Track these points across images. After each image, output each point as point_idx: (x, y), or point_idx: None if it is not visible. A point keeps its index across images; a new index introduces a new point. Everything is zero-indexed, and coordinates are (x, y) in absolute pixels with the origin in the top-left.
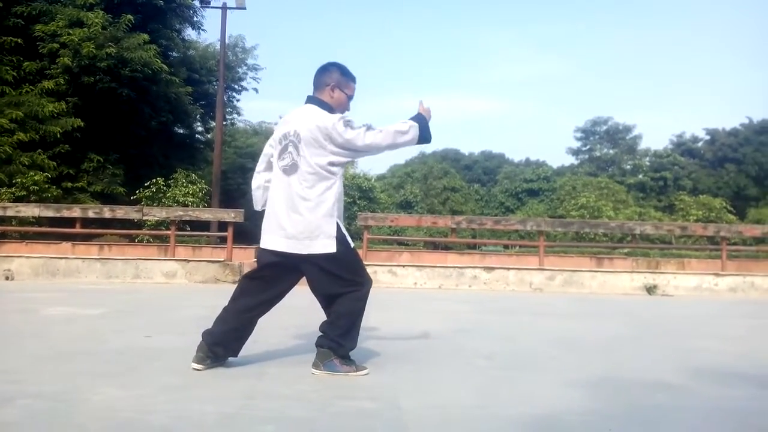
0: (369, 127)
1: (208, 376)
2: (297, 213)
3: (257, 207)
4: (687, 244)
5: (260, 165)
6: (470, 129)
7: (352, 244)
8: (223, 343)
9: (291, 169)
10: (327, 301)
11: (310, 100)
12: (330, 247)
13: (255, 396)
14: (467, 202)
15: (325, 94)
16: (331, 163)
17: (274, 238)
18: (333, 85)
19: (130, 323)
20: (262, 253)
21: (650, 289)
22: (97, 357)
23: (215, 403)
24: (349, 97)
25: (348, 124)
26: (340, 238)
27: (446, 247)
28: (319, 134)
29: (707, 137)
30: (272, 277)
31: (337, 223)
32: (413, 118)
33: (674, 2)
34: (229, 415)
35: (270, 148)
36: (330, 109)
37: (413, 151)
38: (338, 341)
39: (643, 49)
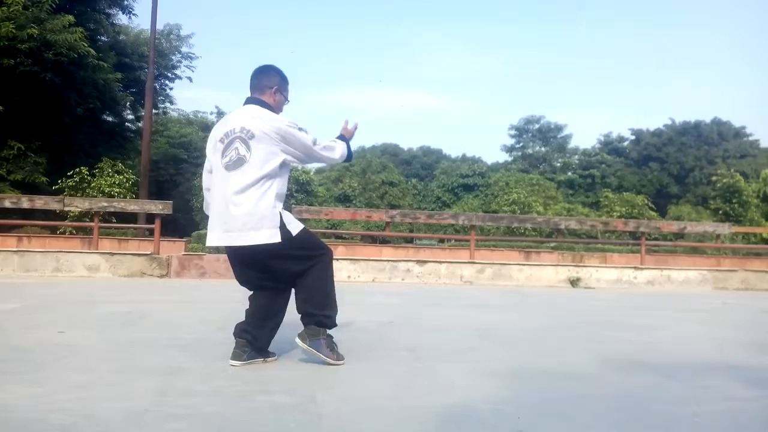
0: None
1: (120, 373)
2: (240, 206)
3: (207, 210)
4: (611, 239)
5: (207, 165)
6: (409, 124)
7: (300, 228)
8: (249, 330)
9: (236, 164)
10: (293, 282)
11: (253, 101)
12: (275, 236)
13: (168, 392)
14: (405, 196)
15: (267, 96)
16: (283, 162)
17: (220, 234)
18: (275, 88)
19: (43, 319)
20: (227, 255)
21: (574, 282)
22: (1, 354)
23: (125, 400)
24: (287, 100)
25: (302, 129)
26: (284, 226)
27: (384, 241)
28: (274, 133)
29: (633, 137)
30: (246, 274)
31: (280, 213)
32: (339, 138)
33: (602, 6)
34: (138, 413)
35: (212, 148)
36: (272, 110)
37: (353, 145)
38: (324, 313)
39: (575, 51)
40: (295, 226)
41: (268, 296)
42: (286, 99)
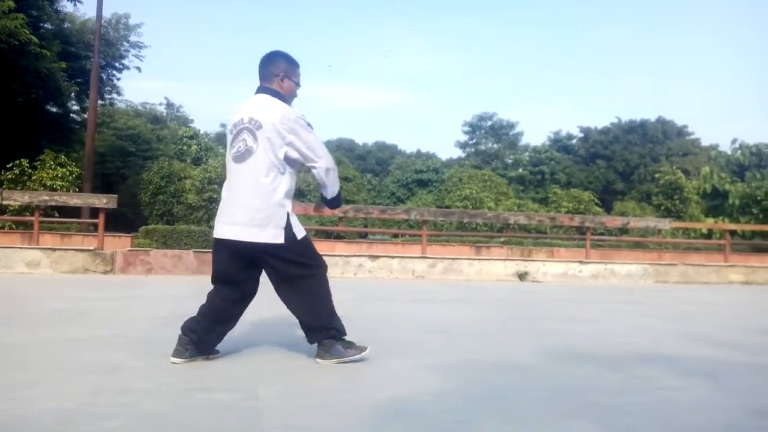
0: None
1: (56, 372)
2: (248, 200)
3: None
4: (558, 233)
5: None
6: (365, 119)
7: (303, 233)
8: (197, 330)
9: (243, 156)
10: (289, 292)
11: (263, 90)
12: (278, 237)
13: (104, 391)
14: (360, 191)
15: (275, 84)
16: (286, 157)
17: (224, 227)
18: (282, 75)
19: None
20: (216, 247)
21: (522, 276)
22: None
23: (58, 399)
24: (297, 85)
25: (310, 125)
26: (290, 228)
27: (337, 236)
28: (283, 126)
29: (581, 135)
30: (232, 271)
31: (288, 213)
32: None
33: (555, 5)
34: (72, 411)
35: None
36: (283, 98)
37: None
38: (333, 327)
39: (528, 49)
40: (299, 230)
41: (229, 300)
42: (297, 84)
